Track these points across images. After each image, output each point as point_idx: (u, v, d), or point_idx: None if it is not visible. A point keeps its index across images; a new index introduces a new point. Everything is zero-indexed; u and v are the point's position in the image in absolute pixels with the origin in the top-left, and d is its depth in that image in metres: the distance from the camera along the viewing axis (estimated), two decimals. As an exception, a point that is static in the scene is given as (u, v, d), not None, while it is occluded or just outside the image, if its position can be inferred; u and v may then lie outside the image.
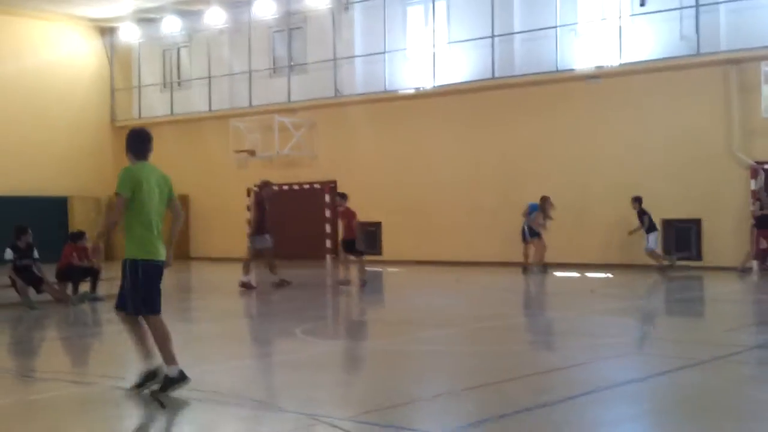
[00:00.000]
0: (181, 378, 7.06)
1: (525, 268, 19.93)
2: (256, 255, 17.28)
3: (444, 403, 7.00)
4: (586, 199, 21.89)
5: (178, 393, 7.10)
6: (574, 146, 22.27)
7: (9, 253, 14.47)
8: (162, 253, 7.18)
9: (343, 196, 17.91)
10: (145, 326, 7.20)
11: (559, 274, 19.69)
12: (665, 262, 19.96)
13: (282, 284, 17.11)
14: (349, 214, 17.51)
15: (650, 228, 19.82)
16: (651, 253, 19.98)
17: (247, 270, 16.92)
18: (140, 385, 7.14)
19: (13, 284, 14.57)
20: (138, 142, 7.29)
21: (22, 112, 28.59)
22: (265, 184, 17.58)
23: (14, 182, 27.63)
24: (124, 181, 7.03)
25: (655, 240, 19.99)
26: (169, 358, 7.10)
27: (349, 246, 17.61)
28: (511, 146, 23.25)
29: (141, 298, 7.09)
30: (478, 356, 9.33)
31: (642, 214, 19.87)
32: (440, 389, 7.47)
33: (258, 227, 17.09)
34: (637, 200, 19.93)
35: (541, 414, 6.43)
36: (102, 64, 31.49)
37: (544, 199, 20.27)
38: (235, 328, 12.48)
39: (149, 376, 7.13)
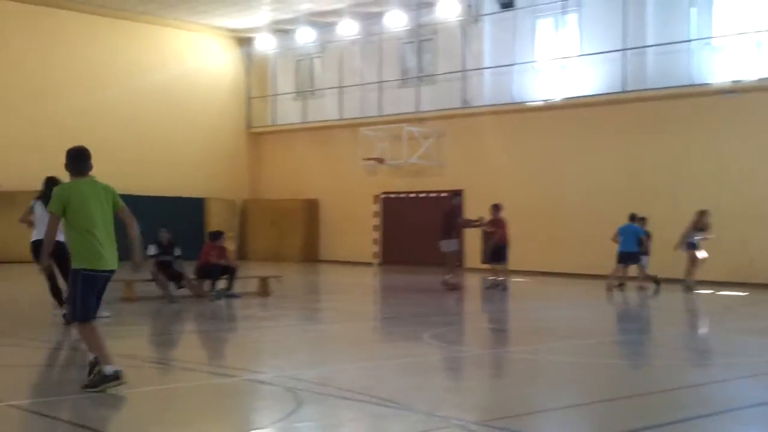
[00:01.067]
0: (115, 377, 7.15)
1: (687, 285, 19.04)
2: (454, 257, 18.94)
3: (575, 414, 6.99)
4: (719, 215, 21.14)
5: (315, 388, 7.39)
6: (708, 162, 21.63)
7: (153, 249, 15.11)
8: (107, 263, 7.30)
9: (497, 207, 19.08)
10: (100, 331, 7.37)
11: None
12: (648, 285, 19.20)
13: (453, 287, 18.44)
14: (503, 224, 18.95)
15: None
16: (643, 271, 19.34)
17: (450, 271, 18.47)
18: (92, 386, 7.20)
19: (155, 278, 15.26)
20: (75, 160, 7.47)
21: (166, 118, 30.02)
22: (456, 194, 20.07)
23: (157, 183, 29.03)
24: (53, 200, 7.30)
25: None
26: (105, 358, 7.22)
27: (498, 253, 18.84)
28: (641, 160, 22.79)
29: (77, 304, 7.27)
30: (610, 369, 9.26)
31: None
32: (571, 400, 7.45)
33: (446, 232, 18.77)
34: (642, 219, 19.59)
35: (673, 430, 6.34)
36: (239, 73, 32.70)
37: (702, 213, 19.36)
38: (365, 330, 12.73)
39: (112, 378, 7.17)
